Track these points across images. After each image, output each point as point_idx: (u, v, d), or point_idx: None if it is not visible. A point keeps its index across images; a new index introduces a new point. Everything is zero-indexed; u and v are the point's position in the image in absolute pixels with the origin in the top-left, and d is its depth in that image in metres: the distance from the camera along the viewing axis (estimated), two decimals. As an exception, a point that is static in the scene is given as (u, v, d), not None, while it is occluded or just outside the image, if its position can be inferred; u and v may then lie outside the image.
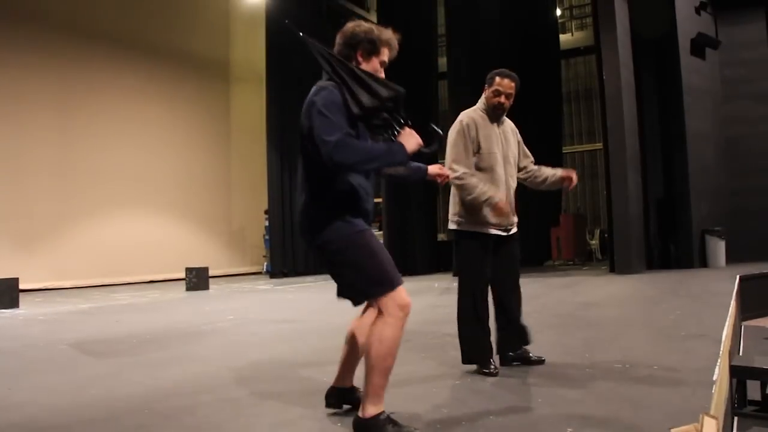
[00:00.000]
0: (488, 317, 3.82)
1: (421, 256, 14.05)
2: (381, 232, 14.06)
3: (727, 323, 4.89)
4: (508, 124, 4.03)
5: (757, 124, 12.73)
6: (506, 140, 3.90)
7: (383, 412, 2.56)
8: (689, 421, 2.26)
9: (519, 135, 4.10)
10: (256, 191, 16.39)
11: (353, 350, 2.91)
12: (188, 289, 11.31)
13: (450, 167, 3.73)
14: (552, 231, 16.53)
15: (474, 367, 3.74)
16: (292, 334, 5.61)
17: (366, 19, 18.67)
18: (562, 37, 20.16)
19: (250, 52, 16.75)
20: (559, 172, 4.00)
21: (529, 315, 6.36)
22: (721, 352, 3.80)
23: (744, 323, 7.82)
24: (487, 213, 3.70)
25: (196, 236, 15.79)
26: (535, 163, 4.10)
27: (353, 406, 2.93)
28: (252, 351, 4.74)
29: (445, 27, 14.92)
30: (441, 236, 17.74)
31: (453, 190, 3.86)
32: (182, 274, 11.81)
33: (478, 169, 3.77)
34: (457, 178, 3.70)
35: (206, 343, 5.32)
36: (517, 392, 3.24)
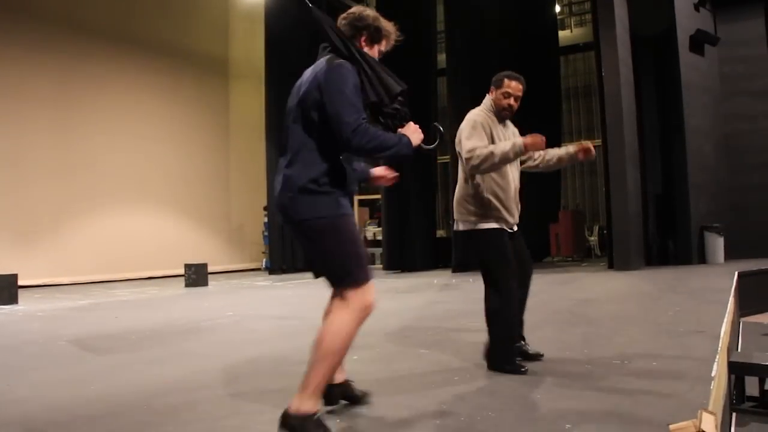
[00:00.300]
0: (516, 314, 3.84)
1: (420, 253, 14.05)
2: (380, 228, 14.05)
3: (725, 319, 4.90)
4: (510, 125, 4.08)
5: (756, 120, 12.73)
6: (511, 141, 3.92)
7: (317, 412, 2.45)
8: (688, 416, 2.26)
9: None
10: (255, 188, 16.39)
11: None
12: (187, 285, 11.31)
13: (468, 152, 3.67)
14: (551, 227, 16.53)
15: (469, 364, 3.74)
16: (291, 330, 5.61)
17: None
18: (561, 34, 20.14)
19: (250, 49, 16.73)
20: (571, 148, 4.03)
21: (528, 311, 6.37)
22: (719, 348, 3.81)
23: (742, 319, 7.84)
24: (498, 207, 3.75)
25: (196, 232, 15.79)
26: None
27: (350, 401, 2.93)
28: (251, 347, 4.74)
29: (444, 23, 14.89)
30: (440, 233, 17.73)
31: (459, 189, 3.85)
32: (181, 271, 11.81)
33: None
34: (478, 154, 3.63)
35: (205, 339, 5.32)
36: (515, 388, 3.25)
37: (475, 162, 3.63)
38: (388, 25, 2.74)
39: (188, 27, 15.82)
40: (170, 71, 15.19)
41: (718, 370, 3.29)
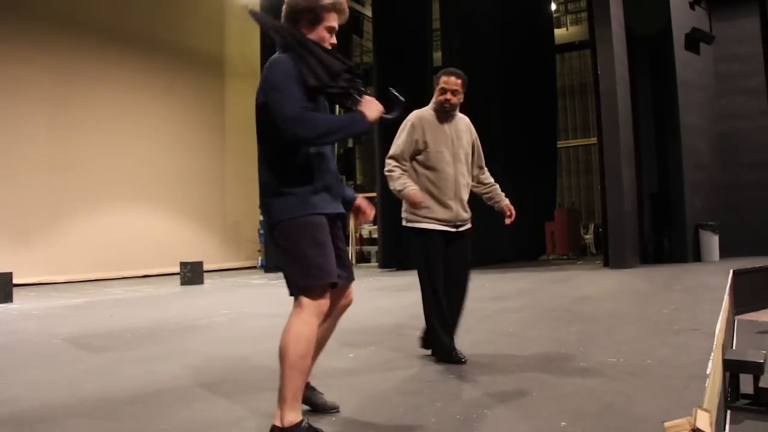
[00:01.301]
0: (443, 311, 3.87)
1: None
2: (375, 226, 14.03)
3: (720, 317, 4.92)
4: (463, 121, 4.07)
5: (751, 118, 12.76)
6: (458, 138, 3.96)
7: (303, 419, 2.41)
8: (683, 414, 2.27)
9: (475, 134, 4.15)
10: (250, 186, 16.31)
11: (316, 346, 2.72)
12: (183, 283, 11.29)
13: (386, 160, 3.89)
14: (546, 225, 16.58)
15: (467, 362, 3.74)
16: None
17: (361, 13, 18.50)
18: (557, 32, 20.18)
19: (245, 47, 16.70)
20: (504, 202, 4.15)
21: (524, 309, 6.40)
22: (714, 346, 3.82)
23: (737, 317, 7.88)
24: (433, 207, 3.81)
25: (191, 230, 15.75)
26: (490, 175, 4.26)
27: (311, 407, 2.82)
28: (246, 345, 4.74)
29: (440, 21, 14.90)
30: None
31: None
32: (177, 269, 11.79)
33: (426, 167, 3.86)
34: (388, 170, 3.85)
35: (201, 337, 5.31)
36: (511, 386, 3.25)
37: (386, 173, 3.85)
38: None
39: (184, 25, 15.78)
40: (166, 69, 15.14)
41: (713, 367, 3.31)
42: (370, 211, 2.84)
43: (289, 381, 2.39)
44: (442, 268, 3.85)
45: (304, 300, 2.44)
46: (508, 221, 4.06)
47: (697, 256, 11.76)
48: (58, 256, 12.69)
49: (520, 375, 3.48)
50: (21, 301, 8.84)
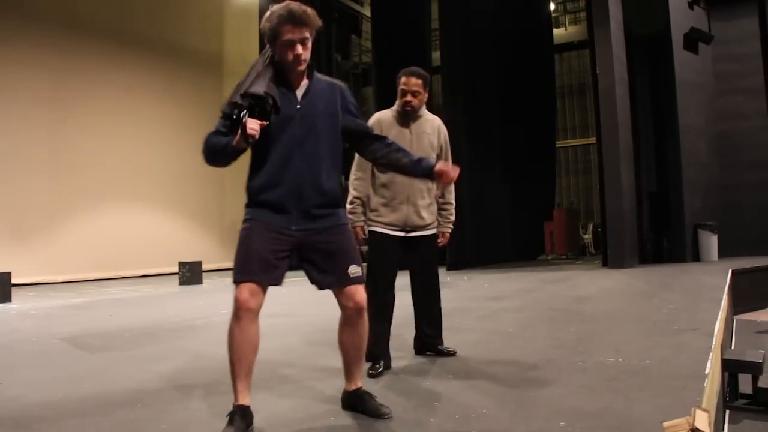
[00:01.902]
0: (391, 317, 3.76)
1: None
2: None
3: (719, 317, 4.93)
4: (430, 123, 3.91)
5: (750, 118, 12.78)
6: (418, 140, 3.80)
7: (241, 406, 2.56)
8: (682, 414, 2.27)
9: (444, 137, 3.99)
10: (249, 185, 16.35)
11: (343, 351, 2.85)
12: (181, 283, 11.28)
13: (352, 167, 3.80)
14: (545, 225, 16.59)
15: (464, 362, 3.74)
16: (284, 328, 5.60)
17: (359, 13, 18.48)
18: (556, 32, 20.20)
19: (244, 46, 16.68)
20: (444, 229, 4.10)
21: (523, 309, 6.40)
22: (713, 346, 3.83)
23: (736, 317, 7.89)
24: (381, 211, 3.76)
25: (190, 230, 15.74)
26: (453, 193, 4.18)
27: (365, 411, 2.80)
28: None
29: (439, 21, 14.90)
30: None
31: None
32: (175, 269, 11.78)
33: (380, 170, 3.73)
34: (350, 183, 3.80)
35: (199, 337, 5.31)
36: (509, 386, 3.25)
37: (350, 184, 3.78)
38: (273, 15, 2.62)
39: (182, 25, 15.77)
40: (165, 70, 15.14)
41: (712, 367, 3.31)
42: (453, 173, 2.87)
43: (230, 370, 2.59)
44: (390, 272, 3.75)
45: (234, 295, 2.63)
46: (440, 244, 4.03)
47: (695, 256, 11.77)
48: (56, 255, 12.68)
49: (519, 375, 3.48)
50: (20, 301, 8.83)
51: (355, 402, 2.82)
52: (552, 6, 19.80)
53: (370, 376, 3.46)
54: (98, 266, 13.27)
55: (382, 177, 3.76)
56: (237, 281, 2.63)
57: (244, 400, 2.57)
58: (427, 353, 4.02)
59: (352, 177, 3.80)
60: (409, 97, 3.77)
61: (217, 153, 2.69)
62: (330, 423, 2.72)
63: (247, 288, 2.60)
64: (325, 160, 2.71)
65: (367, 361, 3.53)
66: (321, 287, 2.75)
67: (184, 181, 15.49)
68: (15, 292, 9.21)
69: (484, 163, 14.10)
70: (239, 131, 2.55)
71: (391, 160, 2.89)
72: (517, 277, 10.33)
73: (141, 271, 13.98)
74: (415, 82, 3.76)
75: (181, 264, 11.49)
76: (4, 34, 11.97)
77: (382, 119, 3.82)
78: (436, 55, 15.99)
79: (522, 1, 16.41)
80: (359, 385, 2.85)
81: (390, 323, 3.76)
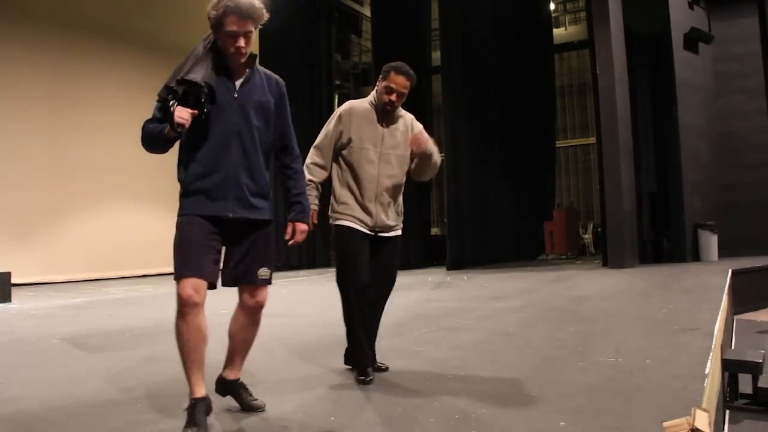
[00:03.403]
0: (365, 317, 3.56)
1: (415, 251, 14.05)
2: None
3: (719, 317, 4.93)
4: (401, 120, 3.71)
5: (750, 118, 12.79)
6: (391, 136, 3.61)
7: (198, 398, 2.59)
8: (682, 414, 2.27)
9: (416, 131, 3.73)
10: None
11: (231, 341, 2.96)
12: (181, 283, 11.26)
13: (311, 149, 3.64)
14: (545, 225, 16.59)
15: (464, 362, 3.73)
16: (284, 328, 5.60)
17: (359, 13, 18.44)
18: (556, 32, 20.20)
19: (244, 46, 16.69)
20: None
21: (523, 309, 6.40)
22: (713, 346, 3.83)
23: (736, 317, 7.89)
24: (351, 205, 3.55)
25: (190, 230, 15.74)
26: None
27: (239, 404, 2.93)
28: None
29: (439, 20, 14.90)
30: (434, 230, 17.75)
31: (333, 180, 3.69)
32: (175, 269, 11.78)
33: (348, 164, 3.57)
34: (306, 165, 3.52)
35: (199, 337, 5.30)
36: (509, 386, 3.25)
37: (305, 166, 3.44)
38: (219, 4, 2.69)
39: (181, 24, 15.71)
40: (165, 69, 14.90)
41: (712, 367, 3.31)
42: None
43: (183, 365, 2.64)
44: (365, 265, 3.52)
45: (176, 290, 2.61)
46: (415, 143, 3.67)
47: (695, 256, 11.77)
48: (57, 255, 12.68)
49: (519, 374, 3.48)
50: (20, 301, 8.82)
51: (231, 391, 2.93)
52: (552, 6, 19.80)
53: (361, 382, 3.37)
54: (98, 266, 13.27)
55: (350, 171, 3.57)
56: (178, 277, 2.62)
57: (200, 393, 2.60)
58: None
59: (309, 160, 3.59)
60: (393, 97, 3.55)
61: (151, 140, 2.66)
62: (330, 423, 2.71)
63: (190, 284, 2.61)
64: (259, 149, 2.76)
65: (356, 368, 3.51)
66: (225, 284, 2.80)
67: (184, 181, 15.50)
68: (15, 292, 9.21)
69: (484, 163, 14.11)
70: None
71: (283, 180, 2.98)
72: (517, 277, 10.33)
73: (141, 271, 13.97)
74: (405, 83, 3.57)
75: (181, 264, 11.47)
76: (4, 34, 11.97)
77: (355, 109, 3.60)
78: (436, 55, 16.01)
79: (522, 1, 16.41)
80: (239, 376, 2.95)
81: (368, 327, 3.59)
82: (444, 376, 3.51)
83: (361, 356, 3.49)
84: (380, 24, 15.08)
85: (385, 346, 4.48)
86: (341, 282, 3.54)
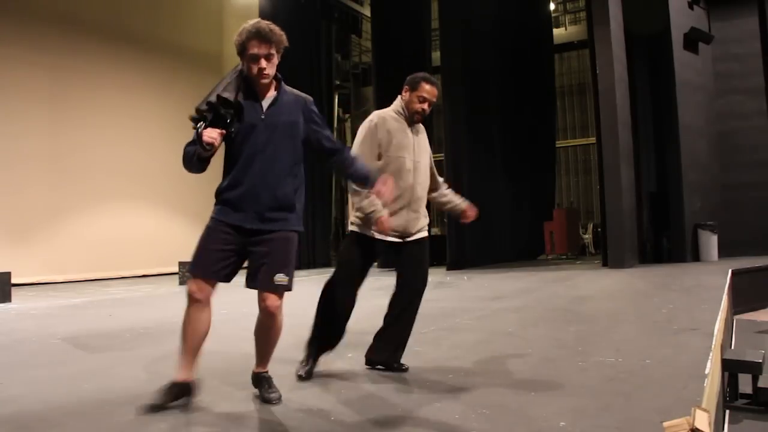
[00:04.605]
0: (344, 319, 3.67)
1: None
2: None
3: (719, 317, 4.93)
4: (421, 127, 3.81)
5: (750, 118, 12.79)
6: (419, 147, 3.71)
7: (182, 380, 2.94)
8: (681, 414, 2.27)
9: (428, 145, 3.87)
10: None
11: (255, 340, 3.19)
12: (182, 283, 11.26)
13: None
14: (545, 225, 16.60)
15: (464, 362, 3.73)
16: (285, 327, 5.60)
17: (360, 13, 18.45)
18: (556, 32, 20.21)
19: (244, 46, 16.68)
20: (463, 205, 3.93)
21: (523, 309, 6.40)
22: (713, 346, 3.83)
23: (736, 317, 7.90)
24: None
25: (189, 230, 15.68)
26: (446, 187, 4.01)
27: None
28: (245, 345, 4.70)
29: (439, 21, 14.90)
30: (434, 230, 17.76)
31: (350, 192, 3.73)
32: (175, 269, 11.78)
33: (383, 173, 3.54)
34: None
35: (199, 337, 5.30)
36: (510, 386, 3.25)
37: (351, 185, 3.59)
38: (243, 32, 2.94)
39: (182, 24, 15.77)
40: (164, 68, 15.13)
41: (712, 367, 3.31)
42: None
43: (180, 344, 2.97)
44: (359, 278, 3.66)
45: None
46: (466, 221, 3.90)
47: (695, 256, 11.78)
48: (56, 255, 12.68)
49: (519, 375, 3.48)
50: (19, 301, 8.83)
51: (256, 383, 3.18)
52: (552, 6, 19.81)
53: (300, 378, 3.54)
54: (98, 266, 13.27)
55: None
56: (188, 273, 2.98)
57: (180, 376, 2.94)
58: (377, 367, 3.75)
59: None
60: (426, 106, 3.65)
61: (189, 161, 2.88)
62: (330, 422, 2.72)
63: (196, 282, 2.92)
64: (283, 166, 2.96)
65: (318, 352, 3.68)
66: (247, 286, 3.02)
67: (184, 181, 15.38)
68: (15, 292, 9.21)
69: (484, 163, 14.10)
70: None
71: (341, 168, 3.24)
72: (517, 277, 10.33)
73: (141, 271, 13.97)
74: (435, 93, 3.68)
75: (181, 264, 11.47)
76: (4, 34, 11.97)
77: (387, 119, 3.66)
78: (436, 55, 16.00)
79: (522, 2, 16.41)
80: (265, 369, 3.17)
81: (338, 332, 3.70)
82: (444, 376, 3.51)
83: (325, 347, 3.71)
84: (380, 24, 15.09)
85: (385, 346, 4.48)
86: (334, 282, 3.69)
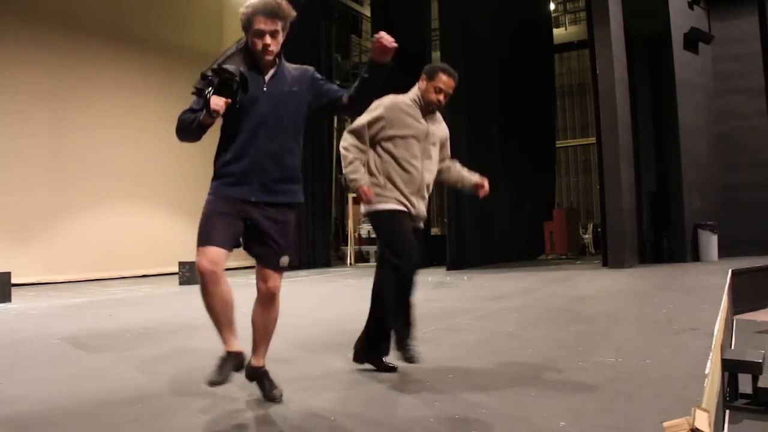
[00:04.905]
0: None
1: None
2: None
3: (719, 317, 4.93)
4: (437, 116, 3.83)
5: (750, 118, 12.79)
6: (431, 133, 3.71)
7: (231, 352, 2.88)
8: (681, 414, 2.27)
9: (446, 129, 3.91)
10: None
11: (253, 328, 3.20)
12: (181, 283, 11.27)
13: (345, 134, 3.70)
14: (545, 225, 16.59)
15: (464, 362, 3.72)
16: (285, 328, 5.58)
17: (360, 13, 18.44)
18: (556, 32, 20.21)
19: (244, 45, 16.69)
20: (474, 177, 3.92)
21: (523, 309, 6.39)
22: (713, 346, 3.83)
23: (736, 317, 7.90)
24: (398, 191, 3.59)
25: (190, 230, 15.49)
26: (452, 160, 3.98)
27: (261, 390, 3.12)
28: (245, 345, 4.72)
29: (439, 21, 14.90)
30: (434, 230, 17.75)
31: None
32: (175, 269, 11.77)
33: (392, 156, 3.59)
34: (344, 147, 3.62)
35: (200, 337, 5.30)
36: (510, 385, 3.25)
37: (342, 149, 3.64)
38: (249, 6, 2.88)
39: (182, 23, 15.76)
40: (164, 68, 15.11)
41: (712, 367, 3.31)
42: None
43: (214, 326, 2.94)
44: (415, 253, 3.56)
45: None
46: (482, 194, 3.88)
47: (695, 256, 11.78)
48: (56, 255, 12.67)
49: (519, 374, 3.48)
50: (19, 301, 8.82)
51: (255, 378, 3.11)
52: (552, 6, 19.81)
53: (390, 370, 3.54)
54: (98, 266, 13.26)
55: (394, 163, 3.58)
56: (198, 247, 2.86)
57: (232, 347, 2.87)
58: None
59: (348, 144, 3.63)
60: (442, 96, 3.68)
61: (186, 128, 2.87)
62: (330, 422, 2.72)
63: (206, 254, 2.81)
64: (287, 137, 2.95)
65: (379, 356, 3.62)
66: (251, 254, 3.03)
67: (185, 180, 15.46)
68: (15, 292, 9.21)
69: (484, 163, 14.02)
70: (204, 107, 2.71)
71: (353, 94, 3.06)
72: (517, 277, 10.33)
73: (141, 271, 13.96)
74: (452, 84, 3.72)
75: (181, 264, 11.47)
76: (4, 34, 11.96)
77: (399, 104, 3.66)
78: (436, 55, 16.01)
79: (522, 1, 16.41)
80: (262, 363, 3.11)
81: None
82: (444, 376, 3.51)
83: (383, 344, 3.64)
84: (380, 24, 15.07)
85: (385, 346, 4.48)
86: (394, 265, 3.55)
